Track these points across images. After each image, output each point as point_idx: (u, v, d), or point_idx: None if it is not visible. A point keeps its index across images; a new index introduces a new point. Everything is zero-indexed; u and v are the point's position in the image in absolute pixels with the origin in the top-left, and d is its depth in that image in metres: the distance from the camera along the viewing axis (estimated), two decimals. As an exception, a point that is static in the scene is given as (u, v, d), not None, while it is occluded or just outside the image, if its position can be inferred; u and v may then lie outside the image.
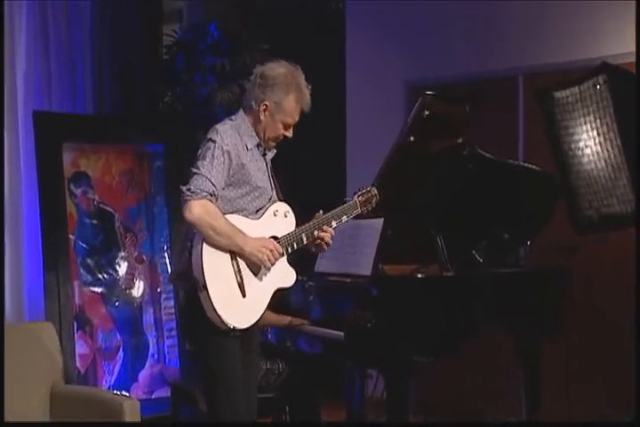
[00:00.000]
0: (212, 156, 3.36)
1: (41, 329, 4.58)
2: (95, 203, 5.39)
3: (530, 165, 4.47)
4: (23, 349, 4.38)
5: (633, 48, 4.44)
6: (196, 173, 3.34)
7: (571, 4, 5.20)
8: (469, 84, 5.55)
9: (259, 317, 3.42)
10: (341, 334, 3.80)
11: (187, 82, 5.93)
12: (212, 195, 3.32)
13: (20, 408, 4.20)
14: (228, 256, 3.36)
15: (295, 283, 3.54)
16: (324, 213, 3.58)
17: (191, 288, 3.34)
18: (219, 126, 3.47)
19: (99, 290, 5.34)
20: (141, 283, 5.48)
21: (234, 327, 3.32)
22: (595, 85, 4.29)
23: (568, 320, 4.41)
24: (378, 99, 6.12)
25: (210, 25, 5.92)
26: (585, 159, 4.42)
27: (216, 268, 3.32)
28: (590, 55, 5.01)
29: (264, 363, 4.36)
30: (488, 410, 5.17)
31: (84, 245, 5.32)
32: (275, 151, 3.62)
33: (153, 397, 5.42)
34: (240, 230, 3.37)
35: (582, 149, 4.43)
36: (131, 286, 5.45)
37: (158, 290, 5.53)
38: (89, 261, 5.32)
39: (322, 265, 4.20)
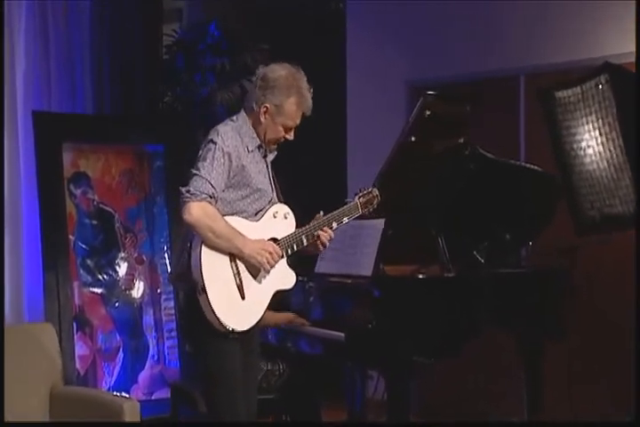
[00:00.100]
0: (213, 157, 3.34)
1: (40, 330, 4.57)
2: (95, 203, 5.38)
3: (531, 166, 4.45)
4: (22, 350, 4.37)
5: (633, 48, 4.43)
6: (195, 175, 3.32)
7: (572, 3, 5.19)
8: (471, 84, 5.54)
9: (258, 319, 3.41)
10: (342, 334, 3.80)
11: (187, 82, 5.92)
12: (211, 197, 3.30)
13: (20, 409, 4.20)
14: (227, 258, 3.34)
15: (295, 284, 3.53)
16: (324, 214, 3.56)
17: (191, 289, 3.33)
18: (220, 127, 3.45)
19: (98, 291, 5.33)
20: (141, 284, 5.47)
21: (233, 330, 3.31)
22: (597, 85, 4.28)
23: (570, 321, 4.40)
24: (379, 99, 6.10)
25: (210, 24, 5.91)
26: (587, 159, 4.41)
27: (215, 270, 3.31)
28: (592, 55, 5.00)
29: (264, 364, 4.34)
30: (490, 411, 5.16)
31: (84, 246, 5.30)
32: (276, 153, 3.60)
33: (153, 398, 5.41)
34: (239, 233, 3.35)
35: (584, 150, 4.42)
36: (131, 287, 5.43)
37: (158, 291, 5.51)
38: (89, 261, 5.31)
39: (322, 266, 4.19)
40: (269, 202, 3.51)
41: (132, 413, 4.11)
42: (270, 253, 3.37)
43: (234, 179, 3.40)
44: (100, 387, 5.23)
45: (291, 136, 3.52)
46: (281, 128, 3.48)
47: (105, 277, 5.36)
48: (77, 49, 5.62)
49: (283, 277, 3.48)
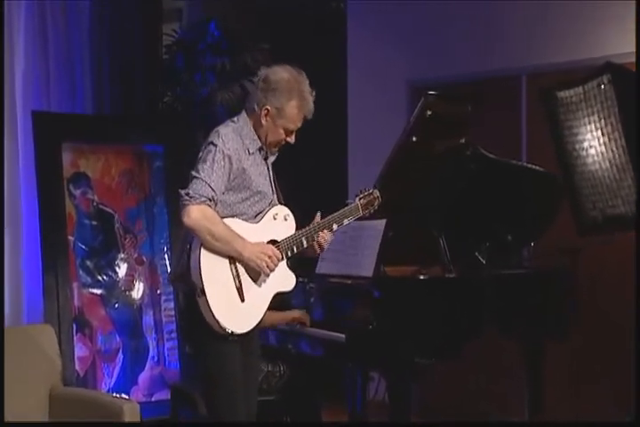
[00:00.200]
0: (213, 160, 3.32)
1: (40, 331, 4.57)
2: (94, 204, 5.36)
3: (533, 166, 4.44)
4: (22, 351, 4.37)
5: (634, 48, 4.42)
6: (195, 178, 3.31)
7: (573, 3, 5.18)
8: (472, 84, 5.53)
9: (258, 321, 3.41)
10: (343, 336, 3.78)
11: (187, 82, 5.90)
12: (210, 200, 3.29)
13: (19, 411, 4.19)
14: (226, 261, 3.33)
15: (295, 286, 3.51)
16: (322, 216, 3.54)
17: (190, 291, 3.33)
18: (220, 129, 3.43)
19: (98, 292, 5.31)
20: (141, 284, 5.45)
21: (232, 332, 3.30)
22: (599, 85, 4.26)
23: (572, 321, 4.38)
24: (380, 99, 6.10)
25: (210, 24, 5.89)
26: (589, 160, 4.40)
27: (214, 272, 3.29)
28: (593, 55, 4.99)
29: (265, 365, 4.34)
30: (491, 411, 5.15)
31: (84, 247, 5.29)
32: (276, 155, 3.58)
33: (153, 399, 5.39)
34: (239, 235, 3.34)
35: (586, 150, 4.41)
36: (130, 288, 5.42)
37: (158, 292, 5.50)
38: (88, 262, 5.29)
39: (323, 267, 4.18)
40: (270, 204, 3.50)
41: (131, 414, 4.10)
42: (270, 256, 3.35)
43: (234, 181, 3.38)
44: (100, 388, 5.22)
45: (292, 140, 3.50)
46: (282, 131, 3.46)
47: (104, 277, 5.34)
48: (77, 49, 5.61)
49: (283, 279, 3.46)
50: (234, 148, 3.37)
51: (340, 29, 6.35)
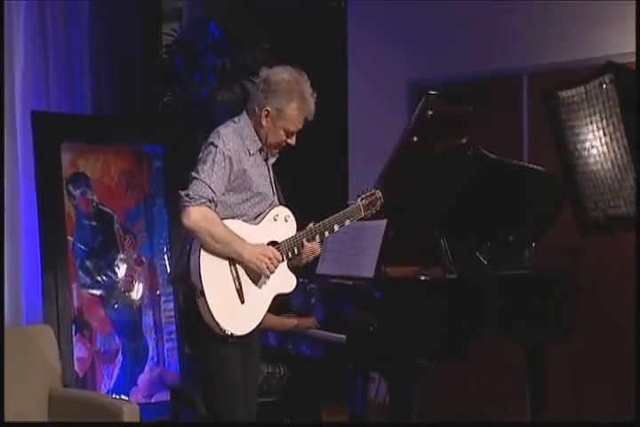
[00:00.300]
0: (213, 161, 3.31)
1: (39, 332, 4.55)
2: (94, 204, 5.36)
3: (534, 166, 4.43)
4: (21, 352, 4.36)
5: (634, 48, 4.41)
6: (195, 178, 3.29)
7: (573, 3, 5.18)
8: (473, 84, 5.53)
9: (258, 323, 3.40)
10: (343, 336, 3.78)
11: (187, 81, 5.89)
12: (210, 201, 3.27)
13: (18, 412, 4.17)
14: (226, 262, 3.32)
15: (296, 288, 3.50)
16: (322, 217, 3.52)
17: (190, 292, 3.32)
18: (221, 129, 3.42)
19: (97, 292, 5.30)
20: (141, 285, 5.44)
21: (232, 334, 3.29)
22: (600, 85, 4.25)
23: (573, 321, 4.37)
24: (380, 99, 6.09)
25: (210, 23, 5.88)
26: (591, 160, 4.39)
27: (214, 274, 3.28)
28: (594, 55, 4.99)
29: (265, 367, 4.33)
30: (492, 411, 5.14)
31: (83, 247, 5.28)
32: (277, 156, 3.57)
33: (152, 401, 5.39)
34: (239, 237, 3.33)
35: (588, 150, 4.40)
36: (130, 289, 5.41)
37: (158, 292, 5.49)
38: (87, 263, 5.28)
39: (324, 267, 4.17)
40: (270, 205, 3.48)
41: (131, 415, 4.10)
42: (270, 258, 3.34)
43: (234, 182, 3.37)
44: (99, 389, 5.22)
45: (292, 141, 3.49)
46: (282, 132, 3.44)
47: (104, 278, 5.33)
48: (76, 49, 5.61)
49: (283, 280, 3.45)
50: (234, 148, 3.36)
51: (340, 29, 6.34)
